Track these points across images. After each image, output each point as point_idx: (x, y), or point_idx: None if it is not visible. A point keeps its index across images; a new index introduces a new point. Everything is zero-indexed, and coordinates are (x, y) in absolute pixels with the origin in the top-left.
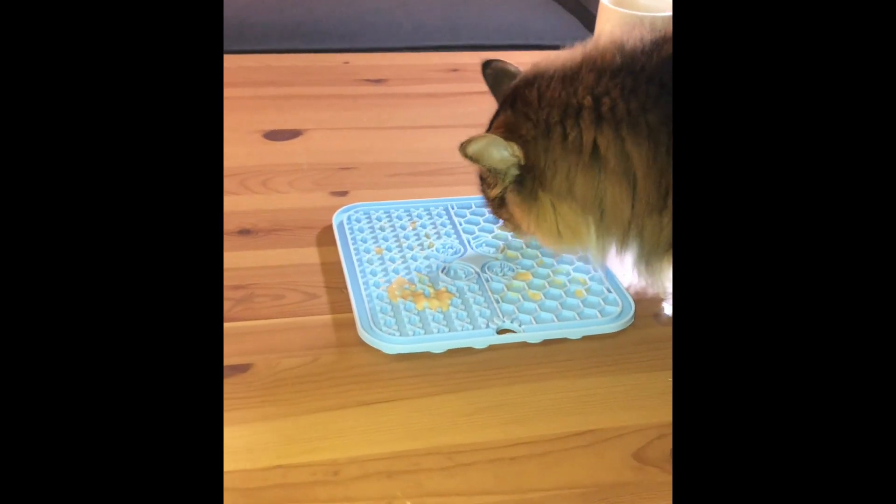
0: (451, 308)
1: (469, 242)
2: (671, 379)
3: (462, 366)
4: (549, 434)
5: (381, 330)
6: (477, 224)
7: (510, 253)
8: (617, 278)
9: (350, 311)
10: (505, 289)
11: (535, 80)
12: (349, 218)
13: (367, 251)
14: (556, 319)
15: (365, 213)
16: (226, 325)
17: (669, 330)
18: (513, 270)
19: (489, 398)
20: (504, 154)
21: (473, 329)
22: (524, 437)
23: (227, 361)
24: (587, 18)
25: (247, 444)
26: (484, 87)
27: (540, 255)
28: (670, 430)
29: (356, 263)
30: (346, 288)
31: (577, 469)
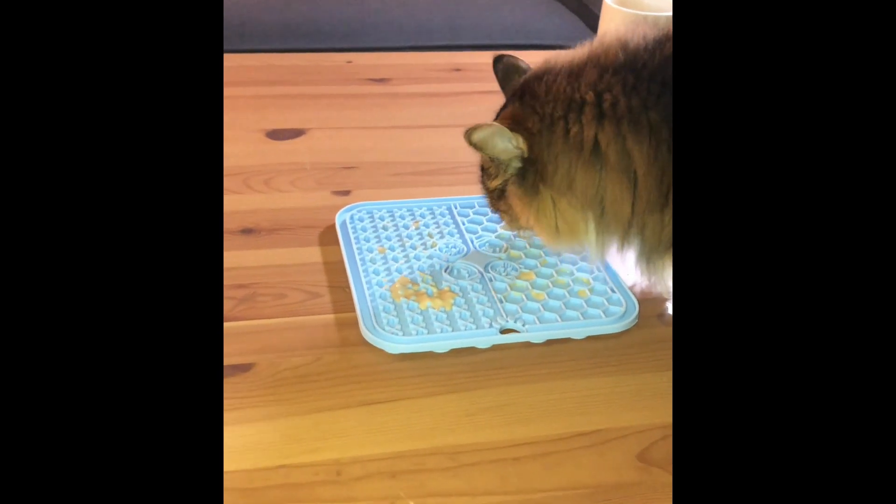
0: (455, 308)
1: (472, 242)
2: None
3: (465, 365)
4: (552, 434)
5: (383, 329)
6: (480, 223)
7: (513, 252)
8: (621, 278)
9: (353, 310)
10: (508, 288)
11: (544, 74)
12: (352, 217)
13: (370, 250)
14: (559, 319)
15: (368, 213)
16: (228, 324)
17: None
18: (516, 270)
19: (492, 398)
20: (508, 145)
21: (477, 329)
22: (527, 437)
23: (229, 361)
24: (589, 18)
25: (249, 443)
26: (486, 86)
27: (543, 255)
28: None
29: (359, 263)
30: (348, 287)
31: (580, 470)
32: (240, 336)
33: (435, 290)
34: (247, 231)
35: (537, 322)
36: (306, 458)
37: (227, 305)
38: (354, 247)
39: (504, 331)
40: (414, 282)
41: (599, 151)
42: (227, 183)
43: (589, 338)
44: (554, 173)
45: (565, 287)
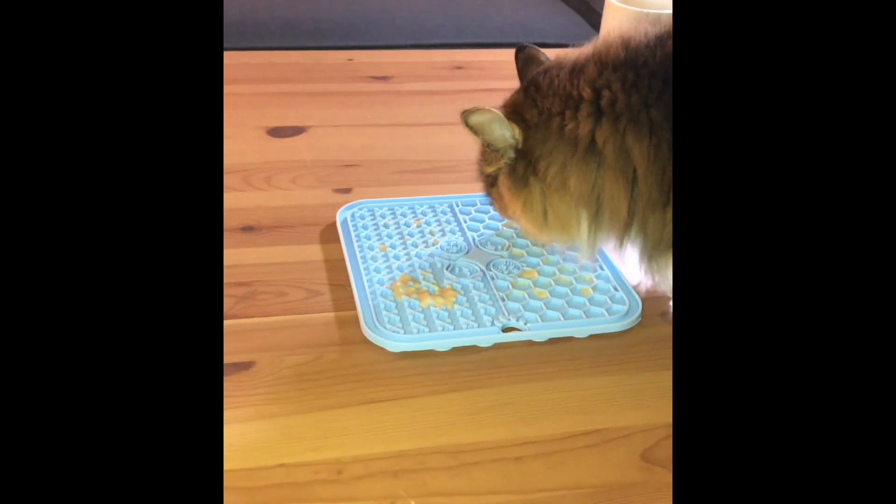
0: (456, 306)
1: (474, 240)
2: None
3: (467, 364)
4: (555, 434)
5: (384, 327)
6: (482, 221)
7: (515, 251)
8: (624, 276)
9: (354, 308)
10: (510, 286)
11: (551, 69)
12: (353, 215)
13: (371, 248)
14: (562, 318)
15: (369, 211)
16: (228, 322)
17: None
18: (518, 268)
19: (494, 397)
20: (505, 133)
21: (478, 327)
22: (530, 436)
23: (229, 359)
24: (592, 16)
25: (249, 442)
26: (488, 84)
27: (546, 253)
28: None
29: (360, 261)
30: (349, 285)
31: (583, 469)
32: (240, 334)
33: (436, 288)
34: (247, 229)
35: (540, 320)
36: (307, 457)
37: (228, 303)
38: (355, 244)
39: (506, 329)
40: (415, 280)
41: (596, 149)
42: (228, 180)
43: (592, 336)
44: (547, 168)
45: (568, 285)
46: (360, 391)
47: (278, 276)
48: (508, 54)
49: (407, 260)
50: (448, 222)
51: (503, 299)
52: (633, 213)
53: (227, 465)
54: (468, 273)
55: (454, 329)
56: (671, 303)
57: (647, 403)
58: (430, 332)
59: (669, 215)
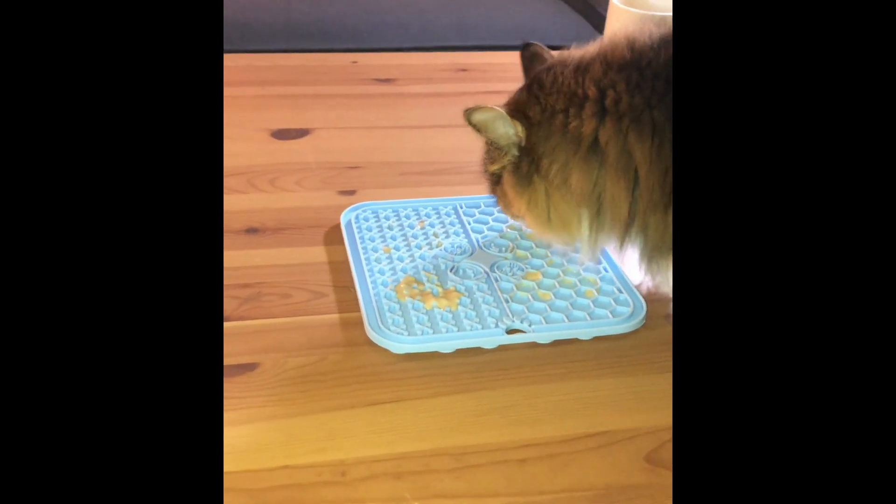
0: (460, 307)
1: (478, 241)
2: None
3: (471, 366)
4: (559, 436)
5: (388, 329)
6: (486, 223)
7: (520, 252)
8: (628, 278)
9: (358, 310)
10: (514, 288)
11: (555, 66)
12: (357, 217)
13: (375, 250)
14: (566, 319)
15: (373, 212)
16: (232, 323)
17: None
18: (522, 270)
19: (498, 399)
20: (509, 131)
21: (482, 329)
22: (534, 438)
23: (233, 360)
24: (595, 19)
25: (253, 443)
26: (492, 86)
27: (550, 255)
28: None
29: (364, 262)
30: (353, 287)
31: (587, 471)
32: (244, 335)
33: (440, 289)
34: (252, 230)
35: (544, 322)
36: (311, 459)
37: (232, 305)
38: (359, 246)
39: (510, 331)
40: (419, 281)
41: (598, 148)
42: (233, 182)
43: (596, 338)
44: (549, 166)
45: (572, 287)
46: (363, 393)
47: (282, 278)
48: (512, 56)
49: (411, 262)
50: (452, 224)
51: (507, 301)
52: (634, 213)
53: (230, 467)
54: (472, 275)
55: (458, 331)
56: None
57: (651, 405)
58: (433, 333)
59: (671, 217)
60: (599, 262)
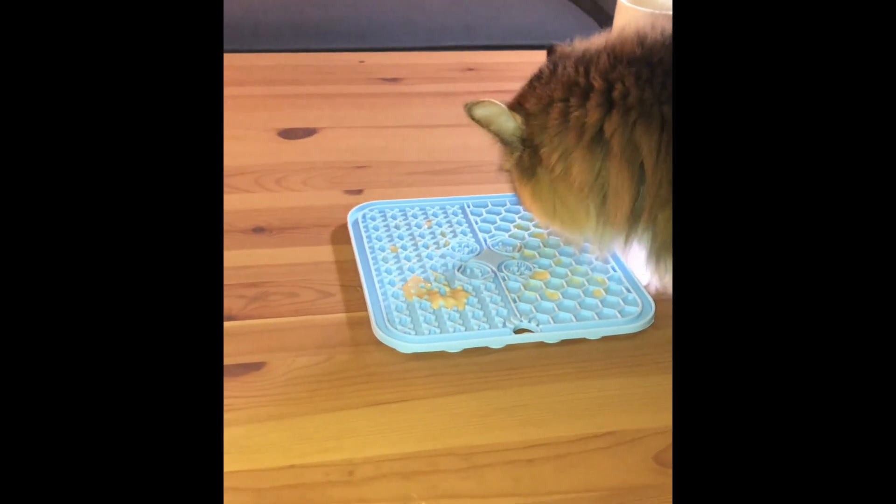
0: (468, 307)
1: (485, 241)
2: None
3: (478, 366)
4: (567, 436)
5: (396, 329)
6: (493, 223)
7: (527, 252)
8: (636, 278)
9: (365, 309)
10: (522, 288)
11: (556, 59)
12: (364, 216)
13: (382, 249)
14: (574, 319)
15: (380, 212)
16: (239, 323)
17: None
18: (530, 269)
19: (506, 399)
20: (511, 125)
21: (490, 328)
22: (541, 438)
23: (240, 360)
24: (603, 18)
25: (259, 443)
26: (500, 86)
27: (558, 254)
28: None
29: (371, 262)
30: (360, 286)
31: (595, 472)
32: (251, 335)
33: (448, 289)
34: (258, 230)
35: (552, 322)
36: (317, 458)
37: (239, 304)
38: (367, 246)
39: (518, 331)
40: (426, 281)
41: (603, 139)
42: (239, 182)
43: (604, 338)
44: (549, 156)
45: (580, 287)
46: (370, 392)
47: (289, 278)
48: (519, 56)
49: (418, 261)
50: (459, 223)
51: (515, 300)
52: (640, 208)
53: (236, 466)
54: (480, 274)
55: (465, 330)
56: None
57: (659, 406)
58: (441, 333)
59: None
60: (608, 262)
